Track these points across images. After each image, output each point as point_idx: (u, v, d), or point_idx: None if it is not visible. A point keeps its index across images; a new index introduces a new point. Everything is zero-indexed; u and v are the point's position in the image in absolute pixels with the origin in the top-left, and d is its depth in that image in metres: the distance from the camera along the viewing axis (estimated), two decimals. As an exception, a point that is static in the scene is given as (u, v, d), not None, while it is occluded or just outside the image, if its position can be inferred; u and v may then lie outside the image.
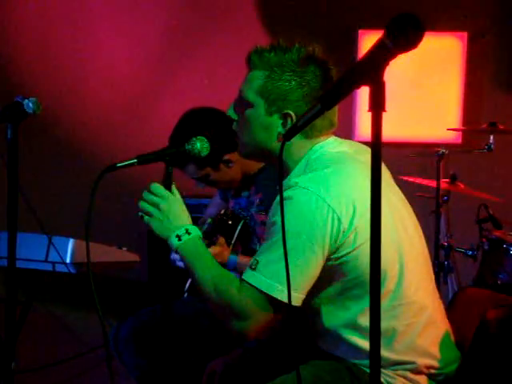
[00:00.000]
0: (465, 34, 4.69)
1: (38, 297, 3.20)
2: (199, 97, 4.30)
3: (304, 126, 1.59)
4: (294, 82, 1.93)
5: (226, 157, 2.68)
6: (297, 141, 1.96)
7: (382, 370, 1.94)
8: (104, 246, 3.07)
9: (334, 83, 1.56)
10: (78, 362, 4.14)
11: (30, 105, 2.22)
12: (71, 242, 2.88)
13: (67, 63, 4.71)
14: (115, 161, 2.04)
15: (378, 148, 1.45)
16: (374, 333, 1.48)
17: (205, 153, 2.17)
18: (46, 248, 2.89)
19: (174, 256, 2.84)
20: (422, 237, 2.09)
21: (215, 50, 4.72)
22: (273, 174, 2.08)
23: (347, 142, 2.07)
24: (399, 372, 1.96)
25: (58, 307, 4.39)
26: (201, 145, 2.15)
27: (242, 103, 2.02)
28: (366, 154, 2.06)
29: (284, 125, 1.96)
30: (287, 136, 1.59)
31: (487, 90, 4.82)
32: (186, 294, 2.96)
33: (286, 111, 1.95)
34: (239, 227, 2.75)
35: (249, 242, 2.77)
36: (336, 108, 1.92)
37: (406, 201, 2.11)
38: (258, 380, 2.04)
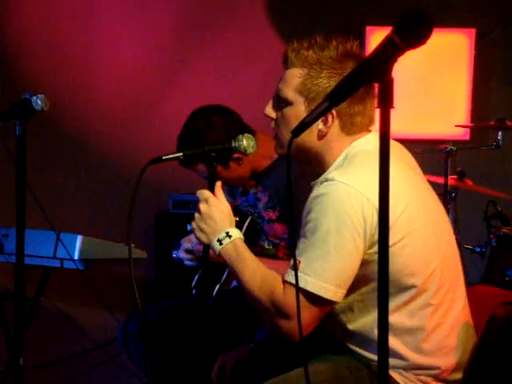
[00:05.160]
0: (473, 31, 4.67)
1: (46, 293, 3.21)
2: (206, 94, 4.30)
3: (312, 123, 1.58)
4: (333, 79, 1.91)
5: (236, 155, 2.68)
6: (337, 137, 1.96)
7: (402, 372, 1.95)
8: (111, 243, 3.08)
9: (342, 80, 1.56)
10: (86, 359, 4.16)
11: (39, 102, 2.22)
12: (79, 239, 2.89)
13: (75, 61, 4.70)
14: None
15: (387, 144, 1.45)
16: (382, 333, 1.48)
17: (250, 150, 2.17)
18: (54, 244, 2.90)
19: (177, 254, 2.85)
20: (454, 238, 2.08)
21: (222, 48, 4.72)
22: (307, 171, 2.07)
23: None
24: (422, 378, 1.95)
25: (66, 304, 4.40)
26: (247, 142, 2.16)
27: (280, 102, 2.00)
28: (397, 150, 2.06)
29: (325, 123, 1.94)
30: (295, 133, 1.59)
31: (495, 87, 4.80)
32: (193, 291, 2.97)
33: None
34: (246, 224, 2.75)
35: (256, 239, 2.78)
36: (375, 104, 1.92)
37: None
38: (269, 374, 2.05)
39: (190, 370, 2.71)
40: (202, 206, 2.02)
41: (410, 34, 1.38)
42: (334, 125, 1.95)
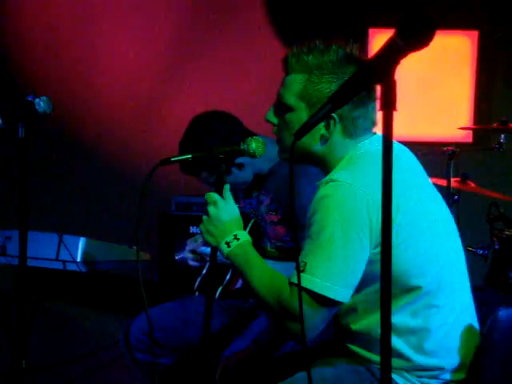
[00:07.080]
0: (476, 33, 4.67)
1: (48, 295, 3.21)
2: (208, 96, 4.30)
3: (315, 125, 1.58)
4: (334, 84, 1.91)
5: (238, 161, 2.67)
6: (340, 141, 1.96)
7: (405, 374, 1.95)
8: (114, 245, 3.09)
9: (344, 82, 1.56)
10: (88, 361, 4.16)
11: (42, 104, 2.22)
12: (82, 241, 2.90)
13: (78, 63, 4.72)
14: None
15: (389, 147, 1.45)
16: (385, 334, 1.48)
17: (260, 152, 2.17)
18: (56, 247, 2.91)
19: (180, 256, 2.85)
20: (459, 240, 2.08)
21: (225, 50, 4.72)
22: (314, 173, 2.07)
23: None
24: (424, 380, 1.96)
25: (68, 305, 4.40)
26: (256, 145, 2.16)
27: (281, 107, 2.00)
28: (402, 153, 2.06)
29: (327, 127, 1.94)
30: (298, 135, 1.59)
31: (498, 89, 4.80)
32: (196, 293, 2.97)
33: None
34: (249, 226, 2.75)
35: (259, 241, 2.78)
36: (377, 106, 1.91)
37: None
38: (272, 376, 2.04)
39: (193, 371, 2.71)
40: (211, 209, 2.02)
41: (413, 37, 1.38)
42: (336, 129, 1.95)
